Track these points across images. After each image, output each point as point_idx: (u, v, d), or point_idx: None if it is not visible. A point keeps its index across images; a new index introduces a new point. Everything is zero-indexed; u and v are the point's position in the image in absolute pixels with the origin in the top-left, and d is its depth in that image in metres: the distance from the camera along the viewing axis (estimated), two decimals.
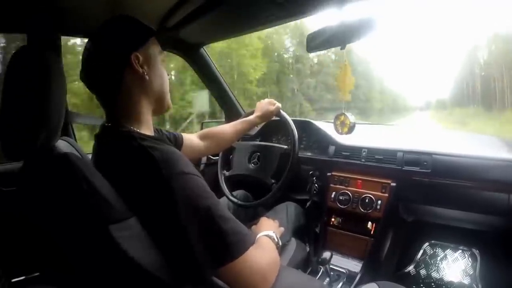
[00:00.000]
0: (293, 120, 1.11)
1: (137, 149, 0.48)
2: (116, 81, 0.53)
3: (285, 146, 1.13)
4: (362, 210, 1.06)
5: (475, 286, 1.12)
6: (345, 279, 1.02)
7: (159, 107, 0.60)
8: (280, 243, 0.67)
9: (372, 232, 1.07)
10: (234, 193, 1.17)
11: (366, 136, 1.20)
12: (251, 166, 1.18)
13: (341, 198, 1.11)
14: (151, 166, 0.45)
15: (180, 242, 0.45)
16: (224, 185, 1.17)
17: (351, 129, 0.92)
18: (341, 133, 0.95)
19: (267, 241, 0.61)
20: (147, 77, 0.55)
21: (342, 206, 1.10)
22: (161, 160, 0.46)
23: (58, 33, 0.97)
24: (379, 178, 1.07)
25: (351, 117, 0.92)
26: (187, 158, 0.50)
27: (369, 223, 1.08)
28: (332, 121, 0.96)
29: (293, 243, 1.01)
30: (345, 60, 0.82)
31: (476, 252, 1.17)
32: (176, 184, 0.44)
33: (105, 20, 0.55)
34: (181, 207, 0.44)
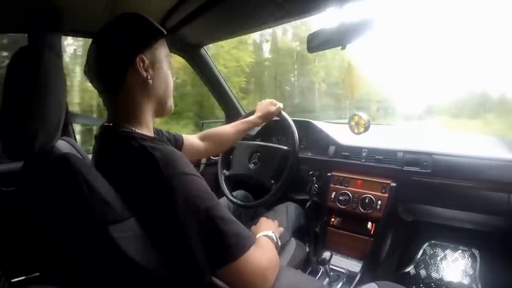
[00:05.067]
0: (293, 120, 1.10)
1: (137, 149, 0.48)
2: (119, 82, 0.53)
3: (285, 147, 1.13)
4: (362, 210, 1.06)
5: (474, 286, 1.12)
6: (345, 279, 1.02)
7: (161, 110, 0.60)
8: (279, 243, 0.67)
9: (372, 232, 1.07)
10: (234, 193, 1.17)
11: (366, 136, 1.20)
12: (251, 166, 1.18)
13: (341, 198, 1.11)
14: (151, 166, 0.45)
15: (180, 243, 0.45)
16: (224, 184, 1.17)
17: (367, 128, 0.91)
18: (358, 133, 0.93)
19: (266, 241, 0.61)
20: (150, 81, 0.54)
21: (342, 206, 1.10)
22: (161, 160, 0.45)
23: (58, 33, 0.97)
24: (379, 178, 1.07)
25: (364, 116, 0.91)
26: (187, 159, 0.50)
27: (369, 223, 1.08)
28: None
29: (293, 243, 1.01)
30: (349, 60, 0.81)
31: (476, 252, 1.17)
32: (176, 184, 0.44)
33: (114, 17, 0.54)
34: (181, 207, 0.44)
